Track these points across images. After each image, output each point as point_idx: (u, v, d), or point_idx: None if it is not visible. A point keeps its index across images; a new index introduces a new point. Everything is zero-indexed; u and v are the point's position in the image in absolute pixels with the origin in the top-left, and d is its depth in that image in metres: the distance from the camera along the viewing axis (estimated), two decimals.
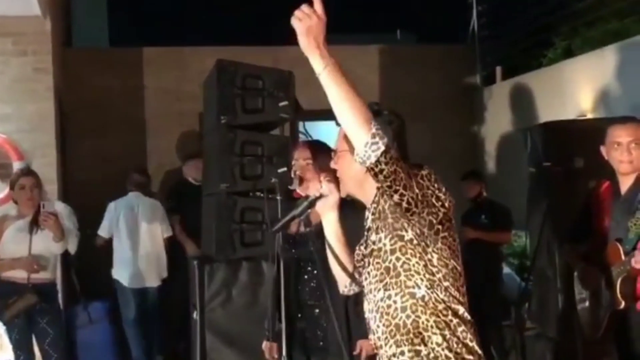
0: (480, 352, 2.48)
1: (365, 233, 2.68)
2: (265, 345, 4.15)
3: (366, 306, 2.62)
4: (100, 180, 8.32)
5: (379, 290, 2.52)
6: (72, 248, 5.55)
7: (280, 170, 4.60)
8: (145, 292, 7.15)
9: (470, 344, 2.45)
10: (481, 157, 9.57)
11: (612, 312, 3.81)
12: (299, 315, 4.03)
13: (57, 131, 7.01)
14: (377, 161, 2.30)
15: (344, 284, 2.84)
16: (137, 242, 7.10)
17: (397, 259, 2.47)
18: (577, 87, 7.44)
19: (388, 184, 2.35)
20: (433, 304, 2.44)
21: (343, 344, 3.01)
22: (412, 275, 2.45)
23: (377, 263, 2.53)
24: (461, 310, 2.48)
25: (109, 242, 7.18)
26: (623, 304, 3.73)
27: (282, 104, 4.72)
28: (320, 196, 2.74)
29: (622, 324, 3.83)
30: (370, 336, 2.63)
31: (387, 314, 2.49)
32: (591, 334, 4.02)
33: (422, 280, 2.44)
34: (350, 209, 3.10)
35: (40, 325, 5.33)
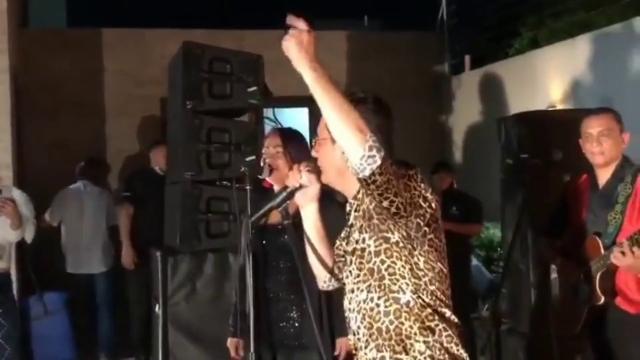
0: (464, 355, 2.39)
1: (348, 229, 2.57)
2: (230, 342, 3.98)
3: (346, 304, 2.50)
4: (56, 165, 8.08)
5: (362, 291, 2.41)
6: (29, 236, 5.33)
7: (248, 159, 4.40)
8: (91, 278, 7.28)
9: (455, 350, 2.36)
10: (449, 147, 9.50)
11: (591, 307, 3.75)
12: (267, 310, 3.86)
13: (12, 114, 6.72)
14: (372, 174, 2.18)
15: (322, 279, 2.72)
16: (81, 229, 7.26)
17: (382, 261, 2.36)
18: (547, 77, 7.39)
19: (379, 192, 2.23)
20: (418, 309, 2.34)
21: (320, 341, 2.85)
22: (397, 280, 2.34)
23: (361, 263, 2.42)
24: (447, 313, 2.38)
25: (53, 228, 7.28)
26: (603, 299, 3.70)
27: (251, 89, 4.50)
28: (300, 187, 2.61)
29: (600, 319, 3.77)
30: (350, 336, 2.51)
31: (370, 317, 2.38)
32: (569, 329, 3.94)
33: (407, 285, 2.34)
34: (330, 201, 2.96)
35: None
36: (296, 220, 2.75)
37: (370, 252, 2.38)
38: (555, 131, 5.01)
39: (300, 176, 2.60)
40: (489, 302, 7.16)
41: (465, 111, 9.20)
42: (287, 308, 3.85)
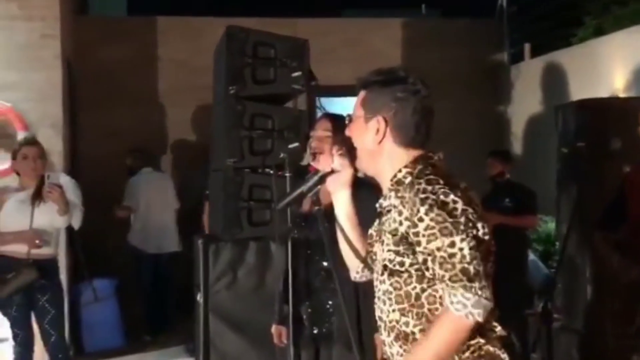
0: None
1: (378, 221, 2.40)
2: (274, 328, 3.91)
3: (377, 311, 2.36)
4: (110, 153, 8.13)
5: (394, 311, 2.26)
6: (76, 223, 5.30)
7: (291, 146, 4.30)
8: (160, 257, 7.73)
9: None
10: (507, 137, 9.27)
11: None
12: (308, 300, 3.76)
13: (64, 101, 6.75)
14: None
15: (355, 270, 2.58)
16: (157, 213, 7.74)
17: (423, 289, 2.20)
18: (611, 66, 7.10)
19: None
20: None
21: (352, 335, 2.72)
22: (437, 309, 2.19)
23: (397, 282, 2.24)
24: (490, 329, 2.23)
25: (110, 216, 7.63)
26: None
27: (295, 74, 4.39)
28: (332, 171, 2.49)
29: None
30: (385, 347, 2.36)
31: (405, 338, 2.25)
32: (625, 327, 3.75)
33: None
34: (366, 189, 2.82)
35: (40, 303, 5.10)
36: (329, 207, 2.63)
37: (410, 277, 2.21)
38: (615, 120, 4.81)
39: (332, 160, 2.48)
40: (544, 298, 6.92)
41: (525, 101, 8.95)
42: (329, 299, 3.74)
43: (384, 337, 2.33)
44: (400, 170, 2.28)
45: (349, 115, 2.43)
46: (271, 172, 4.23)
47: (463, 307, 2.08)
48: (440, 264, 2.11)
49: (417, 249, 2.15)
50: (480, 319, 2.10)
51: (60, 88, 6.68)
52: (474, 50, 9.42)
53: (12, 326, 5.09)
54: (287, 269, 3.72)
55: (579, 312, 5.04)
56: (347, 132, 2.43)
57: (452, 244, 2.09)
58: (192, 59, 8.36)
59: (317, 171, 2.54)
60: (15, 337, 5.09)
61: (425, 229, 2.11)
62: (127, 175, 7.87)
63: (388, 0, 13.51)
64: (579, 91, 7.42)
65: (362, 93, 2.35)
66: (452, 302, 2.10)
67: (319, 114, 4.81)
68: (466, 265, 2.08)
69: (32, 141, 5.38)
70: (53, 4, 6.62)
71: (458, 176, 2.26)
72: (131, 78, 8.69)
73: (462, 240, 2.09)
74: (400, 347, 2.25)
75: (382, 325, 2.33)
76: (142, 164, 7.83)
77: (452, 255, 2.09)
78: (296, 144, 4.29)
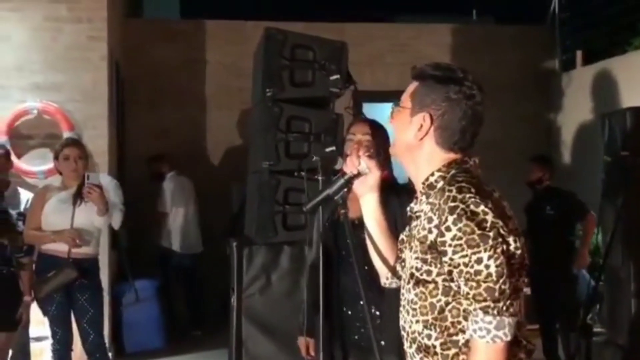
0: None
1: (410, 224, 2.30)
2: (300, 341, 3.83)
3: (401, 320, 2.28)
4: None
5: (417, 322, 2.18)
6: (116, 223, 5.34)
7: (328, 149, 4.27)
8: (193, 257, 8.01)
9: None
10: (556, 145, 9.08)
11: None
12: (340, 310, 3.69)
13: (110, 102, 6.82)
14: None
15: (385, 276, 2.50)
16: (187, 214, 7.98)
17: (447, 303, 2.11)
18: None
19: None
20: None
21: (375, 346, 2.64)
22: (460, 322, 2.10)
23: (422, 293, 2.16)
24: (515, 350, 2.11)
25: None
26: None
27: (333, 77, 4.35)
28: (358, 174, 2.40)
29: None
30: (406, 357, 2.28)
31: (427, 352, 2.17)
32: None
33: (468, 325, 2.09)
34: (394, 194, 2.74)
35: (79, 302, 5.12)
36: (359, 216, 2.56)
37: (436, 288, 2.13)
38: None
39: (359, 162, 2.40)
40: (591, 312, 6.74)
41: (575, 109, 8.75)
42: (362, 309, 3.66)
43: (406, 348, 2.26)
44: (433, 174, 2.19)
45: (395, 103, 2.31)
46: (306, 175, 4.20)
47: (487, 332, 2.01)
48: (466, 280, 2.03)
49: (444, 259, 2.06)
50: (507, 338, 2.01)
51: (107, 89, 6.74)
52: (525, 57, 9.26)
53: (52, 324, 5.12)
54: (317, 277, 3.65)
55: (623, 327, 4.88)
56: (390, 121, 2.33)
57: (479, 261, 2.01)
58: (239, 62, 8.38)
59: (343, 173, 2.45)
60: (54, 335, 5.11)
61: (452, 239, 2.03)
62: (153, 180, 8.00)
63: (439, 6, 13.40)
64: (631, 100, 7.21)
65: (415, 84, 2.24)
66: (474, 330, 2.03)
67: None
68: (491, 285, 2.00)
69: (73, 142, 5.43)
70: (101, 6, 6.69)
71: (497, 184, 2.18)
72: (179, 80, 8.76)
73: (490, 257, 2.00)
74: (422, 359, 2.18)
75: (405, 335, 2.26)
76: (169, 168, 7.96)
77: (477, 273, 2.01)
78: (333, 148, 4.25)
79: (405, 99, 2.25)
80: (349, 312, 3.68)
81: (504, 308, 2.00)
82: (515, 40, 9.34)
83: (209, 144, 8.97)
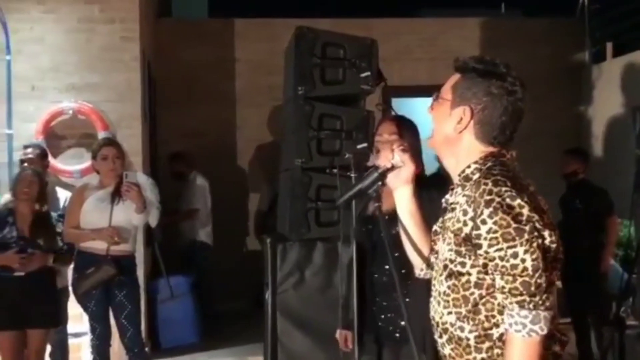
0: None
1: (444, 215, 2.31)
2: (339, 333, 3.89)
3: (431, 311, 2.30)
4: (187, 153, 8.25)
5: (450, 313, 2.19)
6: (153, 221, 5.42)
7: (360, 146, 4.31)
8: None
9: None
10: (586, 138, 9.04)
11: None
12: (374, 303, 3.74)
13: (143, 102, 6.91)
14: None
15: (419, 267, 2.51)
16: (210, 211, 8.10)
17: (481, 296, 2.12)
18: None
19: None
20: None
21: (412, 337, 2.66)
22: (494, 316, 2.11)
23: (455, 285, 2.17)
24: (549, 343, 2.12)
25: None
26: None
27: (364, 75, 4.39)
28: (392, 167, 2.40)
29: None
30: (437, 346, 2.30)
31: (458, 343, 2.18)
32: None
33: (503, 319, 2.10)
34: (426, 190, 2.77)
35: (117, 298, 5.21)
36: (393, 211, 2.59)
37: (469, 281, 2.13)
38: None
39: (393, 156, 2.39)
40: (624, 305, 6.71)
41: (606, 102, 8.70)
42: (395, 300, 3.71)
43: (436, 338, 2.27)
44: (469, 166, 2.19)
45: (436, 94, 2.30)
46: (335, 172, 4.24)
47: (522, 327, 2.02)
48: (502, 274, 2.04)
49: (479, 251, 2.07)
50: (543, 332, 2.02)
51: (140, 89, 6.83)
52: (555, 50, 9.22)
53: (91, 320, 5.22)
54: (351, 271, 3.69)
55: None
56: (429, 111, 2.32)
57: (515, 255, 2.01)
58: (268, 59, 8.44)
59: (376, 167, 2.44)
60: (93, 330, 5.21)
61: (488, 232, 2.03)
62: (173, 178, 8.11)
63: (466, 0, 13.34)
64: None
65: (456, 76, 2.23)
66: (510, 325, 2.04)
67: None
68: (527, 279, 2.01)
69: (111, 142, 5.53)
70: (133, 6, 6.78)
71: (530, 177, 2.18)
72: (209, 79, 8.83)
73: (526, 251, 2.00)
74: (452, 350, 2.20)
75: (434, 325, 2.27)
76: (188, 167, 8.06)
77: (514, 267, 2.01)
78: (364, 145, 4.29)
79: (446, 91, 2.24)
80: (383, 304, 3.73)
81: (540, 302, 2.02)
82: (545, 33, 9.29)
83: (239, 142, 9.05)
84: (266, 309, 4.72)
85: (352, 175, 3.84)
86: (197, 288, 7.44)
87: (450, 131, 2.21)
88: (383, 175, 2.42)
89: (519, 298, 2.02)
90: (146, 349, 5.64)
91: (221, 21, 9.45)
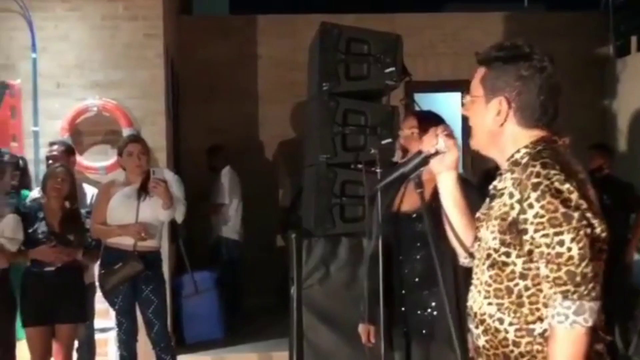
0: None
1: (489, 200, 2.25)
2: (361, 328, 3.90)
3: (470, 300, 2.25)
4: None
5: (490, 304, 2.14)
6: (179, 217, 5.46)
7: (384, 142, 4.31)
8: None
9: None
10: (611, 132, 8.97)
11: None
12: (400, 297, 3.76)
13: (167, 98, 6.95)
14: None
15: (463, 255, 2.45)
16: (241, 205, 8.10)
17: (526, 287, 2.06)
18: None
19: None
20: None
21: (454, 332, 2.64)
22: (538, 309, 2.06)
23: (498, 275, 2.12)
24: (593, 342, 2.04)
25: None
26: None
27: (388, 70, 4.40)
28: (436, 153, 2.34)
29: None
30: (471, 336, 2.28)
31: (495, 336, 2.14)
32: None
33: (547, 315, 2.05)
34: (466, 187, 2.75)
35: (144, 293, 5.25)
36: (434, 205, 2.58)
37: (514, 272, 2.07)
38: None
39: (437, 141, 2.34)
40: None
41: (631, 95, 8.63)
42: (424, 297, 3.72)
43: (472, 327, 2.23)
44: (518, 151, 2.13)
45: (466, 93, 2.27)
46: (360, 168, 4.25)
47: (565, 318, 1.95)
48: (547, 262, 1.97)
49: (524, 237, 2.01)
50: (587, 324, 1.95)
51: (163, 86, 6.86)
52: (579, 44, 9.15)
53: (118, 315, 5.26)
54: (377, 266, 3.71)
55: None
56: (464, 112, 2.28)
57: (561, 243, 1.95)
58: (291, 56, 8.45)
59: (419, 152, 2.39)
60: (120, 325, 5.25)
61: (535, 217, 1.97)
62: (210, 170, 8.13)
63: None
64: None
65: (482, 70, 2.19)
66: (553, 316, 1.98)
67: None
68: (573, 268, 1.94)
69: (136, 138, 5.57)
70: (156, 4, 6.80)
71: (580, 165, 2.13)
72: (231, 75, 8.85)
73: (572, 239, 1.94)
74: (487, 342, 2.15)
75: (472, 315, 2.22)
76: (224, 161, 8.07)
77: (559, 255, 1.95)
78: (389, 140, 4.30)
79: (476, 87, 2.21)
80: (410, 300, 3.74)
81: (585, 292, 1.95)
82: (568, 27, 9.22)
83: (262, 138, 9.07)
84: (292, 304, 4.74)
85: (378, 170, 3.86)
86: (223, 283, 7.46)
87: (492, 126, 2.17)
88: (426, 161, 2.37)
89: (563, 288, 1.96)
90: (172, 342, 5.67)
91: (243, 18, 9.48)
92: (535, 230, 1.98)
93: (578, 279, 1.95)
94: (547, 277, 1.99)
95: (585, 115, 8.96)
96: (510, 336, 2.10)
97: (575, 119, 8.76)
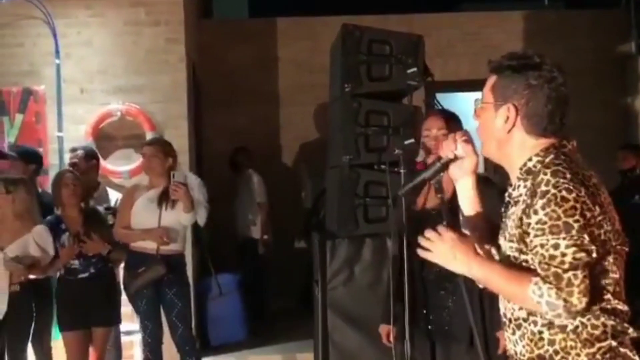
0: None
1: (505, 214, 2.29)
2: (382, 328, 3.91)
3: (502, 308, 2.29)
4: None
5: (521, 309, 2.18)
6: (201, 220, 5.47)
7: (407, 142, 4.32)
8: None
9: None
10: (634, 131, 8.89)
11: None
12: (425, 297, 3.76)
13: (189, 102, 6.99)
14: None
15: None
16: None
17: None
18: None
19: None
20: (587, 333, 2.09)
21: (475, 332, 2.65)
22: None
23: None
24: (621, 326, 2.10)
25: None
26: None
27: (410, 71, 4.41)
28: (455, 158, 2.37)
29: None
30: (507, 343, 2.30)
31: (531, 340, 2.17)
32: None
33: None
34: (488, 185, 2.76)
35: (168, 297, 5.28)
36: (452, 204, 2.60)
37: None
38: None
39: (455, 146, 2.36)
40: None
41: None
42: (444, 296, 3.72)
43: (508, 335, 2.26)
44: (530, 159, 2.18)
45: (477, 100, 2.32)
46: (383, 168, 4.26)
47: (539, 297, 2.01)
48: (539, 262, 2.03)
49: (526, 240, 2.07)
50: (547, 315, 2.04)
51: (185, 90, 6.91)
52: (599, 42, 9.10)
53: (142, 319, 5.28)
54: (399, 265, 3.71)
55: None
56: (474, 118, 2.33)
57: (556, 246, 2.00)
58: (311, 58, 8.48)
59: (439, 158, 2.43)
60: (145, 329, 5.28)
61: (537, 223, 2.03)
62: (233, 170, 8.15)
63: None
64: None
65: (493, 78, 2.25)
66: (536, 283, 2.02)
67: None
68: (560, 272, 1.98)
69: (150, 141, 5.64)
70: (177, 9, 6.86)
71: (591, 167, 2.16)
72: (252, 78, 8.89)
73: (568, 246, 1.98)
74: (524, 347, 2.18)
75: (507, 322, 2.26)
76: (247, 164, 8.07)
77: (552, 258, 2.00)
78: (412, 140, 4.30)
79: (487, 94, 2.26)
80: (432, 300, 3.74)
81: (569, 295, 1.99)
82: (589, 25, 9.18)
83: (284, 141, 9.09)
84: (316, 305, 4.75)
85: (402, 171, 3.86)
86: (247, 285, 7.48)
87: (500, 132, 2.22)
88: (446, 166, 2.40)
89: (551, 285, 2.00)
90: (197, 345, 5.70)
91: (263, 21, 9.52)
92: (535, 235, 2.04)
93: (563, 283, 1.99)
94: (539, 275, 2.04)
95: (606, 113, 8.91)
96: (546, 336, 2.13)
97: (596, 117, 8.75)
